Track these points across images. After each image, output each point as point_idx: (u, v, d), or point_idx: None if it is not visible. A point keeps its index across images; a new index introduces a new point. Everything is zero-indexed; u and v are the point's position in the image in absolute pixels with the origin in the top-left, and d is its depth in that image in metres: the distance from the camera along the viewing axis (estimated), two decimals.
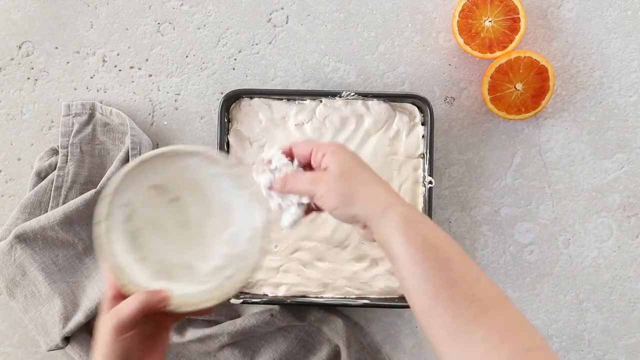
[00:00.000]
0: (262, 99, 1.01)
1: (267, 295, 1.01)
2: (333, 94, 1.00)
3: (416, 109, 1.01)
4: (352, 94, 1.00)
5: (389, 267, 1.01)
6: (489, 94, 1.01)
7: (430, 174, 0.99)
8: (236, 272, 0.85)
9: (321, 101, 1.01)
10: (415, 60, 1.04)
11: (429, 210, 0.98)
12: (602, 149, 1.04)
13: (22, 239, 1.00)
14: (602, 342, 1.04)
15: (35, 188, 1.02)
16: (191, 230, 0.91)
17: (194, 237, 0.91)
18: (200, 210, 0.91)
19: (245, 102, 1.01)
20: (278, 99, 1.02)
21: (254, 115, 1.01)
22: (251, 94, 1.01)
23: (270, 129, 1.02)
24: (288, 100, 1.01)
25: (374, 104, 1.01)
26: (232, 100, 1.01)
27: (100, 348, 0.74)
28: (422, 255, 0.68)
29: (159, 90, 1.05)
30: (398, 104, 1.01)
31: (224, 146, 1.00)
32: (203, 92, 1.05)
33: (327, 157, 0.79)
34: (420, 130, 1.01)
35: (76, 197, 1.01)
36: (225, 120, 1.01)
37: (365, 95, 1.00)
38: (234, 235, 0.89)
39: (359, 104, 1.01)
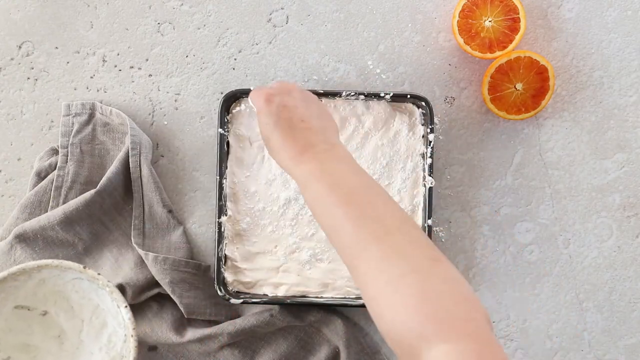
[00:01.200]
0: None
1: (267, 295, 1.01)
2: (333, 94, 1.00)
3: (416, 108, 1.01)
4: (352, 93, 1.00)
5: None
6: (489, 93, 1.01)
7: (431, 174, 0.99)
8: None
9: (321, 101, 1.01)
10: (415, 60, 1.04)
11: (429, 210, 0.98)
12: (602, 149, 1.04)
13: (22, 238, 1.00)
14: (602, 342, 1.04)
15: (35, 188, 1.02)
16: (67, 342, 0.97)
17: (70, 350, 0.96)
18: (71, 320, 0.96)
19: (245, 102, 1.01)
20: None
21: (254, 115, 1.01)
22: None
23: None
24: None
25: (374, 104, 1.01)
26: (232, 100, 1.01)
27: None
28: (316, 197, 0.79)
29: (159, 90, 1.05)
30: (398, 104, 1.01)
31: (224, 146, 1.00)
32: (203, 92, 1.05)
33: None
34: (420, 130, 1.01)
35: (76, 197, 1.01)
36: (225, 120, 1.01)
37: (365, 95, 1.00)
38: (109, 340, 0.94)
39: (359, 104, 1.01)
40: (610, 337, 1.04)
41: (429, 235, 0.99)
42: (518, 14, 0.99)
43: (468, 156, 1.04)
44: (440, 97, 1.04)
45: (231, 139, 1.01)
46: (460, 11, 1.00)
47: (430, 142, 0.99)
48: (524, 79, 1.00)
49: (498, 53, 1.00)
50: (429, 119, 0.99)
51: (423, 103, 0.99)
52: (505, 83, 1.00)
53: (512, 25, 0.99)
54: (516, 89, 1.00)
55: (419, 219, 1.01)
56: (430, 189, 0.99)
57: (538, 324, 1.04)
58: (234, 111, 1.02)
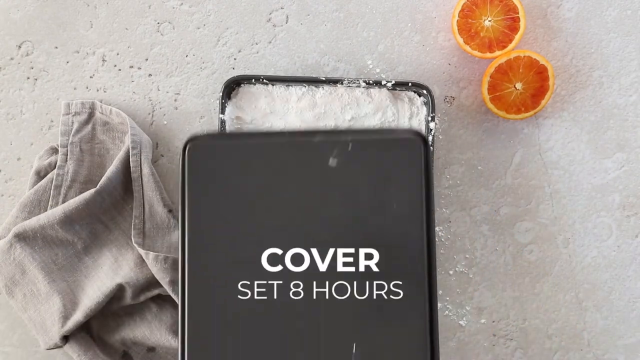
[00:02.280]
0: (263, 85, 1.01)
1: None
2: (334, 81, 1.00)
3: (417, 97, 1.02)
4: (353, 81, 1.00)
5: None
6: (488, 93, 1.01)
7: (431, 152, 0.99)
8: None
9: (323, 88, 1.01)
10: (414, 60, 1.04)
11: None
12: (601, 148, 1.04)
13: (22, 237, 1.00)
14: (602, 342, 1.04)
15: (35, 187, 1.02)
16: None
17: None
18: None
19: (246, 88, 1.01)
20: (279, 86, 1.01)
21: (255, 102, 1.01)
22: (252, 80, 1.01)
23: (271, 115, 1.01)
24: (289, 87, 1.01)
25: (375, 91, 1.01)
26: (233, 86, 1.01)
27: None
28: None
29: (158, 90, 1.05)
30: (398, 92, 1.02)
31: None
32: (203, 91, 1.05)
33: None
34: (421, 119, 1.01)
35: (76, 196, 1.02)
36: (226, 105, 1.00)
37: (366, 83, 1.00)
38: None
39: (360, 91, 1.01)
40: (610, 337, 1.04)
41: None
42: (518, 13, 0.99)
43: (468, 156, 1.04)
44: (439, 97, 1.04)
45: (231, 124, 1.01)
46: (460, 11, 1.00)
47: (431, 130, 0.99)
48: (524, 79, 1.00)
49: (498, 53, 1.00)
50: (430, 107, 0.99)
51: (424, 91, 1.00)
52: (505, 83, 1.00)
53: (512, 25, 0.99)
54: (516, 88, 1.00)
55: None
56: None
57: (537, 323, 1.04)
58: (234, 98, 1.01)
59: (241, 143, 0.88)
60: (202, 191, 0.86)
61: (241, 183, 0.87)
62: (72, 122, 1.03)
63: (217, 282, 0.87)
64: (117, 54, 1.05)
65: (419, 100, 1.01)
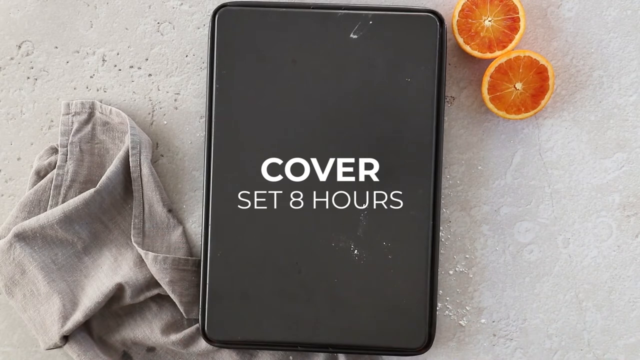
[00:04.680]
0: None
1: None
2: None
3: None
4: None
5: None
6: (488, 93, 1.01)
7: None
8: None
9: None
10: None
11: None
12: (601, 148, 1.04)
13: (21, 237, 1.00)
14: (602, 342, 1.04)
15: (35, 187, 1.02)
16: None
17: None
18: None
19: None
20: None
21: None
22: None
23: None
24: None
25: None
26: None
27: None
28: None
29: (158, 90, 1.05)
30: None
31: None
32: (203, 91, 1.05)
33: None
34: None
35: (75, 196, 1.02)
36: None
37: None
38: None
39: None
40: (610, 337, 1.04)
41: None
42: (518, 13, 0.99)
43: (468, 156, 1.04)
44: None
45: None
46: (460, 11, 1.00)
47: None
48: (524, 79, 1.00)
49: (498, 53, 1.00)
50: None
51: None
52: (505, 83, 1.00)
53: (512, 25, 0.99)
54: (516, 88, 1.00)
55: None
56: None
57: (537, 323, 1.04)
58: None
59: (268, 11, 0.98)
60: (230, 57, 0.98)
61: (266, 51, 0.97)
62: (72, 122, 1.03)
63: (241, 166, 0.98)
64: (117, 54, 1.05)
65: None
